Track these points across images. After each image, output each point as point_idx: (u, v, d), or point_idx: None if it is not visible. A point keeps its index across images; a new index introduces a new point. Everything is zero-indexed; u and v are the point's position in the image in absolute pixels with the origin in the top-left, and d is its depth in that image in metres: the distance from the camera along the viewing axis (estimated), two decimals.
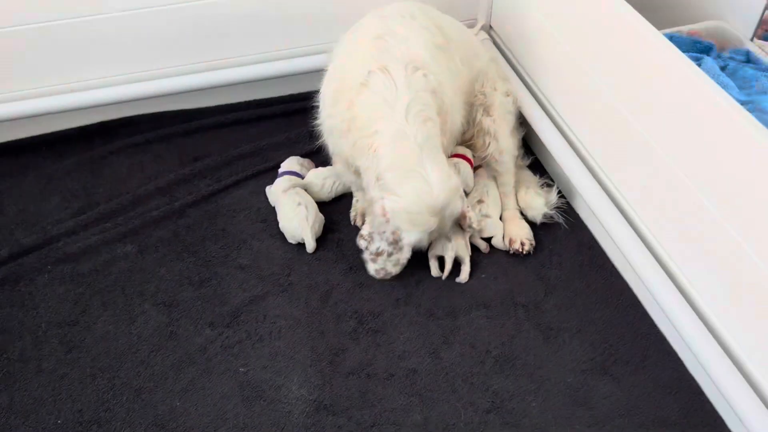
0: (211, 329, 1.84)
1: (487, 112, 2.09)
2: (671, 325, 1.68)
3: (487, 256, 2.03)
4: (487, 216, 2.05)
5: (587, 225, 2.10)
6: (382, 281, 1.88)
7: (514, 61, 2.36)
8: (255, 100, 2.51)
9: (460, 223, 1.90)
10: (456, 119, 1.98)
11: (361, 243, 1.79)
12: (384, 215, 1.71)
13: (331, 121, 1.83)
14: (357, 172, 1.83)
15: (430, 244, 1.94)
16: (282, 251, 2.04)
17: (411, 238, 1.75)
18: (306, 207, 2.04)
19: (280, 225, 2.07)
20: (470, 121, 2.11)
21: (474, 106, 2.10)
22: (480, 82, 2.10)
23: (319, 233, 2.06)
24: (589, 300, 1.91)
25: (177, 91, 2.36)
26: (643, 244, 1.78)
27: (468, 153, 2.10)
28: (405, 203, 1.71)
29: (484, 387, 1.72)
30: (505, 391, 1.71)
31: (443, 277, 1.94)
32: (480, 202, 2.07)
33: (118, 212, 2.14)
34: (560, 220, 2.09)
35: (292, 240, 2.05)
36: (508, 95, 2.12)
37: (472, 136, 2.12)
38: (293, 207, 2.04)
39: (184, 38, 2.30)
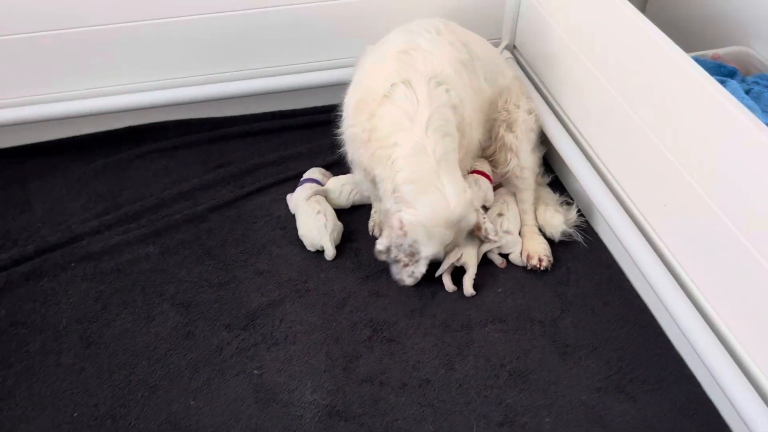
0: (228, 331, 1.86)
1: (509, 128, 2.11)
2: (690, 346, 1.66)
3: (504, 272, 2.03)
4: (507, 232, 2.05)
5: (606, 244, 2.10)
6: (398, 290, 1.92)
7: (537, 80, 2.38)
8: (280, 111, 2.56)
9: (475, 233, 1.91)
10: (474, 136, 2.00)
11: (381, 257, 1.81)
12: (401, 228, 1.73)
13: (352, 130, 1.86)
14: (374, 181, 1.86)
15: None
16: (300, 258, 2.06)
17: (428, 251, 1.77)
18: (325, 215, 2.06)
19: (300, 232, 2.09)
20: (492, 136, 2.14)
21: (497, 122, 2.13)
22: (503, 99, 2.13)
23: (338, 241, 2.08)
24: (606, 319, 1.90)
25: (205, 98, 2.41)
26: (662, 264, 1.78)
27: (487, 169, 2.12)
28: (422, 217, 1.73)
29: (497, 400, 1.71)
30: (518, 405, 1.70)
31: (436, 274, 1.94)
32: (500, 215, 2.08)
33: (142, 214, 2.18)
34: (579, 238, 2.09)
35: (311, 247, 2.07)
36: (530, 113, 2.14)
37: (494, 151, 2.14)
38: (313, 215, 2.06)
39: (214, 48, 2.36)
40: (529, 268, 2.02)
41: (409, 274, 1.79)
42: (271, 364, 1.78)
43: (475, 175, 2.07)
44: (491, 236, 1.90)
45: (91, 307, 1.91)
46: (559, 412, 1.68)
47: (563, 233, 2.09)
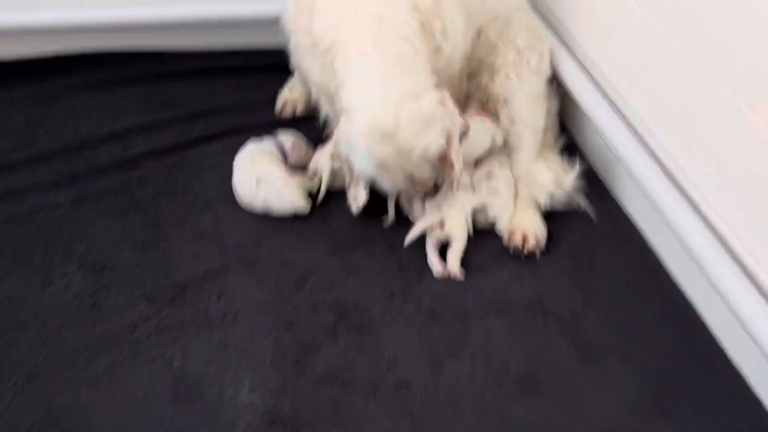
0: (148, 304, 1.42)
1: (495, 73, 1.72)
2: (758, 354, 1.25)
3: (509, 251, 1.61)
4: (494, 193, 1.64)
5: (639, 225, 1.68)
6: (376, 267, 1.54)
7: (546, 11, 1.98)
8: (247, 49, 2.14)
9: (448, 173, 1.51)
10: (457, 24, 1.60)
11: (335, 163, 1.60)
12: (338, 137, 1.50)
13: (294, 37, 1.61)
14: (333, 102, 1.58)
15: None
16: (253, 219, 1.64)
17: (357, 167, 1.49)
18: (267, 181, 1.62)
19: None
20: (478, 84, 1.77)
21: (482, 66, 1.74)
22: (496, 31, 1.72)
23: (309, 189, 1.67)
24: (640, 316, 1.48)
25: (151, 23, 2.00)
26: (719, 246, 1.36)
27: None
28: (349, 123, 1.43)
29: (498, 415, 1.28)
30: (527, 422, 1.27)
31: (405, 243, 1.57)
32: (489, 177, 1.66)
33: (58, 155, 1.76)
34: (583, 204, 1.68)
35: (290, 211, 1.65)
36: (531, 49, 1.73)
37: (486, 101, 1.75)
38: (252, 187, 1.63)
39: None
40: (510, 250, 1.59)
41: (353, 197, 1.58)
42: (199, 350, 1.34)
43: (480, 116, 1.68)
44: (455, 173, 1.49)
45: None
46: None
47: (553, 197, 1.66)
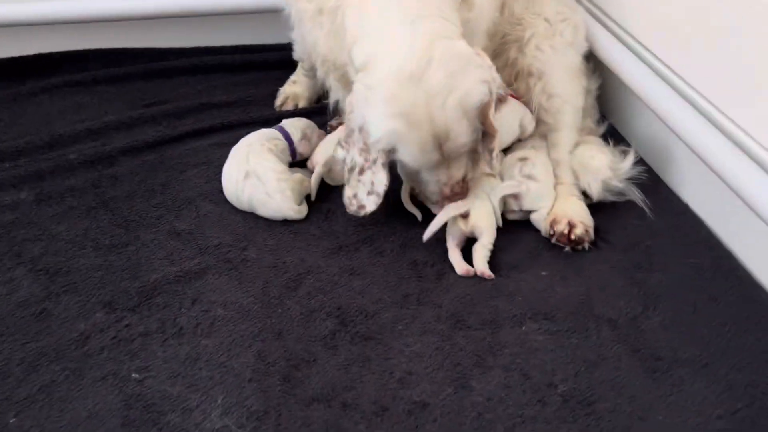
0: (106, 312, 1.17)
1: (524, 45, 1.50)
2: None
3: (551, 248, 1.34)
4: (530, 177, 1.38)
5: (703, 216, 1.40)
6: (385, 268, 1.27)
7: None
8: (244, 45, 1.94)
9: (489, 137, 1.24)
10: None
11: (339, 153, 1.27)
12: (350, 104, 1.21)
13: (297, 5, 1.36)
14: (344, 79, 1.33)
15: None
16: (241, 217, 1.40)
17: (377, 130, 1.17)
18: (258, 177, 1.37)
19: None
20: (506, 60, 1.54)
21: (508, 42, 1.53)
22: (521, 4, 1.52)
23: (306, 191, 1.42)
24: (716, 320, 1.19)
25: (145, 15, 1.82)
26: None
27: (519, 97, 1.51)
28: (368, 75, 1.18)
29: None
30: None
31: (425, 237, 1.31)
32: (524, 159, 1.41)
33: (24, 152, 1.55)
34: (637, 196, 1.41)
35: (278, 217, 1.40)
36: (564, 21, 1.52)
37: (513, 80, 1.52)
38: (240, 182, 1.39)
39: None
40: (554, 240, 1.32)
41: (368, 188, 1.23)
42: (162, 365, 1.08)
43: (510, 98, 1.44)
44: (495, 142, 1.24)
45: None
46: None
47: (607, 186, 1.40)
